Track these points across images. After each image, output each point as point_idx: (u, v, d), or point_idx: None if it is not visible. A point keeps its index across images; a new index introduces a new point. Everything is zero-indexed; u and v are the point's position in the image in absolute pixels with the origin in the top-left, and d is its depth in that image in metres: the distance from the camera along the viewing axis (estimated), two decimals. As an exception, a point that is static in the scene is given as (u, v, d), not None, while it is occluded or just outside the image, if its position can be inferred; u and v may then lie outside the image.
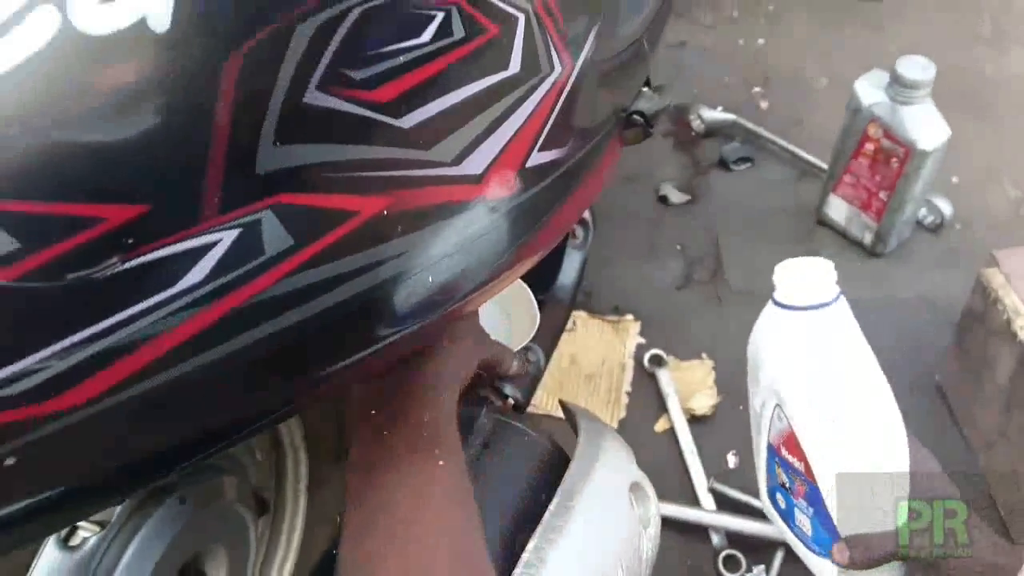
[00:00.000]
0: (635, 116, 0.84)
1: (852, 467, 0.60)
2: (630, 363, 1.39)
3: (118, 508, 0.68)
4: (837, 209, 1.55)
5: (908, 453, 0.60)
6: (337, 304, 0.35)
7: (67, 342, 0.25)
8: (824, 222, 1.61)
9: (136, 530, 0.68)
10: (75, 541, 0.65)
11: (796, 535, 0.67)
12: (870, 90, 1.37)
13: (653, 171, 1.77)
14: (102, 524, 0.67)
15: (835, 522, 0.60)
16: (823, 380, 0.60)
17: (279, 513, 0.93)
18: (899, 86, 1.32)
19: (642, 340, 1.42)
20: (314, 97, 0.30)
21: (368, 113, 0.33)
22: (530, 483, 0.64)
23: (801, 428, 0.61)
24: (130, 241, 0.26)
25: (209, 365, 0.30)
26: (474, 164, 0.42)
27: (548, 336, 0.97)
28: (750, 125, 1.80)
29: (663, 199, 1.72)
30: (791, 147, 1.74)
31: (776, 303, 0.62)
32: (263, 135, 0.29)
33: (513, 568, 0.56)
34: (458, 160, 0.41)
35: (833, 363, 0.60)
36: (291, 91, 0.29)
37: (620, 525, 0.61)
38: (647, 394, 1.35)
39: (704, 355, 1.39)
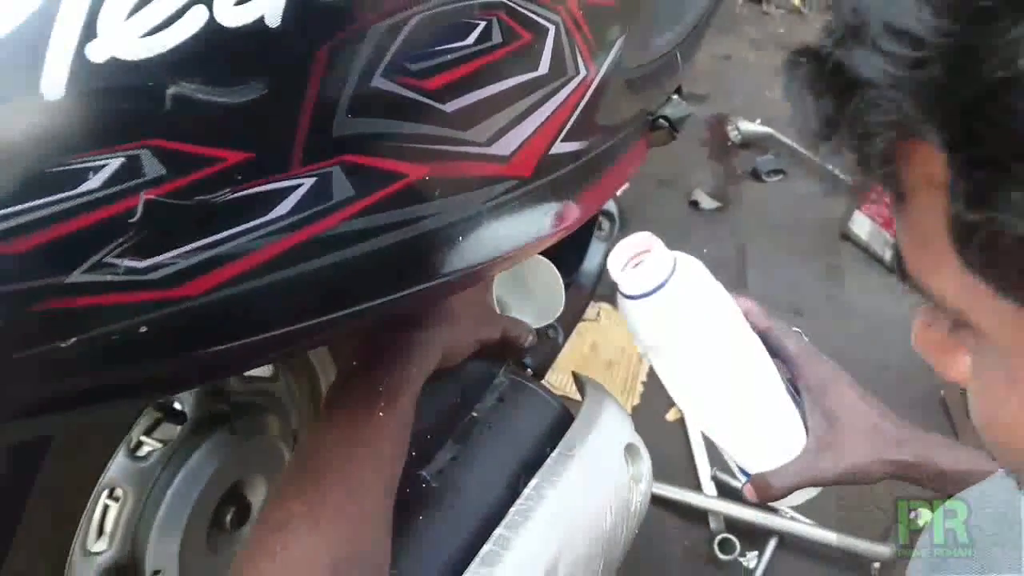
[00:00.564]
0: (661, 120, 0.92)
1: (717, 430, 0.65)
2: (648, 355, 1.46)
3: (178, 429, 0.78)
4: (861, 225, 1.61)
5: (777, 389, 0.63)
6: (382, 248, 0.44)
7: (191, 246, 0.34)
8: (848, 237, 1.66)
9: (193, 451, 0.78)
10: (141, 453, 0.76)
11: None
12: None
13: (687, 177, 1.84)
14: (164, 442, 0.78)
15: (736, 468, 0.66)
16: (673, 358, 0.63)
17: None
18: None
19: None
20: (380, 82, 0.39)
21: (420, 98, 0.42)
22: (536, 436, 0.73)
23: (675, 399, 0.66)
24: (239, 178, 0.35)
25: (282, 282, 0.39)
26: (503, 146, 0.51)
27: (569, 317, 1.05)
28: (786, 139, 1.86)
29: (694, 204, 1.79)
30: (823, 163, 1.80)
31: (621, 295, 0.62)
32: (339, 108, 0.38)
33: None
34: (489, 142, 0.49)
35: (680, 337, 0.61)
36: (362, 76, 0.38)
37: (612, 476, 0.69)
38: (661, 385, 1.42)
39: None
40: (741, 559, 1.20)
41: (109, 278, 0.32)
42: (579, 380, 0.85)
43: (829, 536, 1.17)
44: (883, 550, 1.13)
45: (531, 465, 0.69)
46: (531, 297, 0.95)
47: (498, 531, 0.60)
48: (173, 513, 0.77)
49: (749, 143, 1.90)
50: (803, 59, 0.28)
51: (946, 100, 0.24)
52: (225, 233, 0.35)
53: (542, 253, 0.85)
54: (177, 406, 0.78)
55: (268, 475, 0.90)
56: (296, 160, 0.37)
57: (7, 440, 0.41)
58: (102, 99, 0.30)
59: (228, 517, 0.84)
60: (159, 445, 0.77)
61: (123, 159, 0.31)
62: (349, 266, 0.43)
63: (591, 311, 1.44)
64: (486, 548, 0.59)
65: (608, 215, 1.12)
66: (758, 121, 1.91)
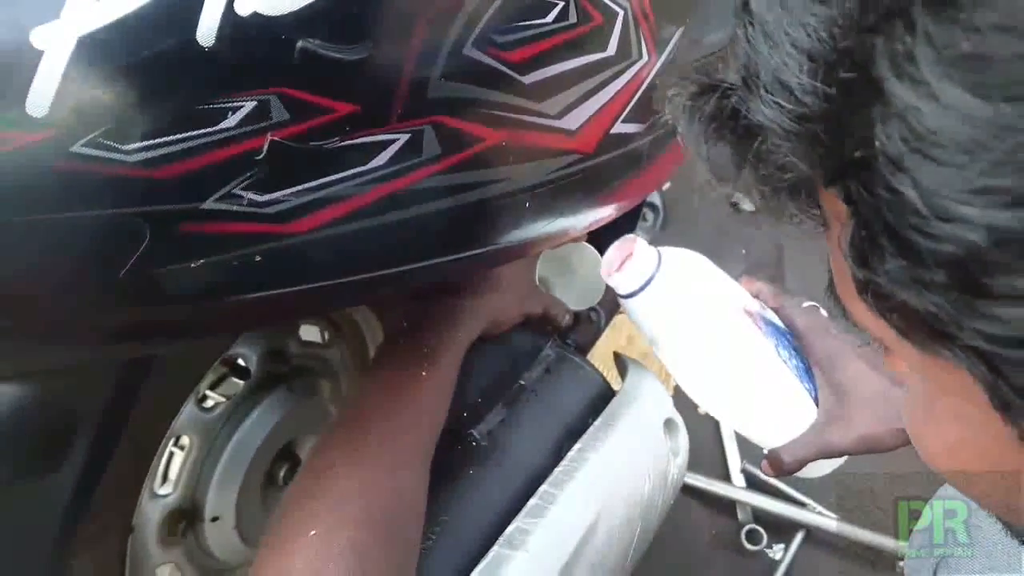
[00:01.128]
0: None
1: (725, 413, 0.67)
2: (683, 350, 1.49)
3: (242, 385, 0.83)
4: (901, 232, 1.62)
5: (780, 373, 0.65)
6: (456, 207, 0.48)
7: (302, 187, 0.39)
8: (887, 244, 1.67)
9: (254, 406, 0.83)
10: (207, 404, 0.80)
11: None
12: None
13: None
14: (227, 397, 0.82)
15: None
16: (671, 347, 0.66)
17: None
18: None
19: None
20: (470, 51, 0.43)
21: (503, 68, 0.46)
22: (580, 406, 0.76)
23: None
24: (347, 128, 0.39)
25: (372, 229, 0.43)
26: (571, 120, 0.55)
27: (610, 303, 1.08)
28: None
29: (734, 205, 1.81)
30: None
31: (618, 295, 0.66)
32: (434, 72, 0.42)
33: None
34: (560, 115, 0.53)
35: (672, 328, 0.65)
36: (456, 45, 0.43)
37: (652, 447, 0.72)
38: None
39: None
40: (767, 550, 1.23)
41: (235, 208, 0.36)
42: (621, 359, 0.88)
43: (857, 532, 1.18)
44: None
45: (574, 432, 0.73)
46: (573, 281, 0.98)
47: (543, 487, 0.64)
48: (233, 464, 0.82)
49: (791, 148, 1.92)
50: (704, 99, 0.29)
51: (828, 159, 0.25)
52: (331, 177, 0.39)
53: (587, 242, 0.89)
54: (241, 363, 0.83)
55: (319, 434, 0.95)
56: (395, 116, 0.41)
57: (121, 356, 0.45)
58: (244, 48, 0.34)
59: (281, 473, 0.89)
60: (222, 399, 0.82)
61: (255, 103, 0.35)
62: (427, 221, 0.47)
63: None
64: (532, 502, 0.62)
65: (652, 207, 1.15)
66: (801, 127, 1.92)
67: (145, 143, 0.32)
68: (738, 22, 0.27)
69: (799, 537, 1.22)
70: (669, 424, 0.76)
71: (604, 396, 0.78)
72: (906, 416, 0.35)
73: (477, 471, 0.66)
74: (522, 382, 0.75)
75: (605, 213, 0.73)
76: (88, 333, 0.37)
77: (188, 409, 0.79)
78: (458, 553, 0.59)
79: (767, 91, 0.25)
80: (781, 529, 1.24)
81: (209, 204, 0.35)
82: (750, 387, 0.67)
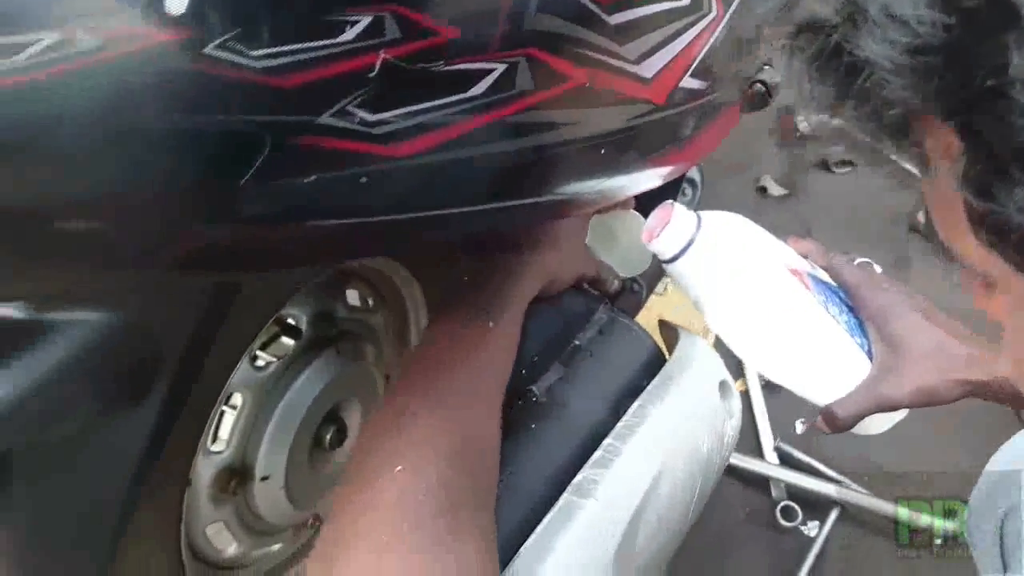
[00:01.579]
0: (758, 84, 0.95)
1: (775, 372, 0.68)
2: (713, 329, 1.49)
3: (292, 345, 0.83)
4: (932, 216, 1.62)
5: (829, 329, 0.65)
6: (540, 146, 0.49)
7: (407, 109, 0.39)
8: (918, 229, 1.67)
9: (305, 366, 0.84)
10: (260, 363, 0.81)
11: None
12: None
13: (756, 164, 1.86)
14: (277, 357, 0.83)
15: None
16: (717, 308, 0.67)
17: (399, 394, 1.07)
18: None
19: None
20: (562, -14, 0.44)
21: (591, 5, 0.46)
22: (634, 368, 0.77)
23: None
24: (450, 54, 0.39)
25: (465, 160, 0.44)
26: (647, 68, 0.55)
27: (651, 275, 1.08)
28: (857, 132, 1.87)
29: (762, 190, 1.80)
30: (895, 157, 1.80)
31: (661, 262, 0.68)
32: (529, 3, 0.42)
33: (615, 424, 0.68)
34: (638, 61, 0.53)
35: (717, 289, 0.66)
36: (548, -22, 0.43)
37: (708, 406, 0.73)
38: (726, 356, 1.44)
39: (784, 332, 1.48)
40: (802, 527, 1.23)
41: (347, 125, 0.36)
42: (668, 325, 0.88)
43: (892, 508, 1.18)
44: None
45: (630, 391, 0.73)
46: (620, 248, 0.98)
47: (607, 440, 0.64)
48: (284, 423, 0.82)
49: (817, 134, 1.91)
50: (805, 38, 0.29)
51: (947, 91, 0.24)
52: (434, 102, 0.40)
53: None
54: (291, 322, 0.83)
55: (364, 400, 0.95)
56: (493, 45, 0.41)
57: (215, 277, 0.45)
58: (365, -42, 0.34)
59: (328, 436, 0.89)
60: (273, 359, 0.82)
61: (371, 18, 0.35)
62: (510, 159, 0.47)
63: (659, 285, 1.47)
64: (597, 454, 0.63)
65: (691, 182, 1.15)
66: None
67: (270, 50, 0.32)
68: None
69: (834, 514, 1.22)
70: (723, 386, 0.77)
71: (656, 359, 0.78)
72: (1010, 348, 0.35)
73: (539, 426, 0.66)
74: (577, 342, 0.75)
75: (662, 173, 0.73)
76: (191, 246, 0.37)
77: (242, 367, 0.79)
78: (524, 504, 0.60)
79: (876, 25, 0.25)
80: (816, 507, 1.24)
81: (324, 119, 0.35)
82: (799, 344, 0.67)
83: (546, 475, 0.63)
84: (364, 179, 0.39)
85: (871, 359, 0.66)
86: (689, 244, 0.65)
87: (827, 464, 1.30)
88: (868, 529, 1.22)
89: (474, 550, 0.45)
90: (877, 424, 0.68)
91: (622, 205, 0.88)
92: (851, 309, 0.68)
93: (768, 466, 1.28)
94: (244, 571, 0.92)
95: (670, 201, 0.67)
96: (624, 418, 0.67)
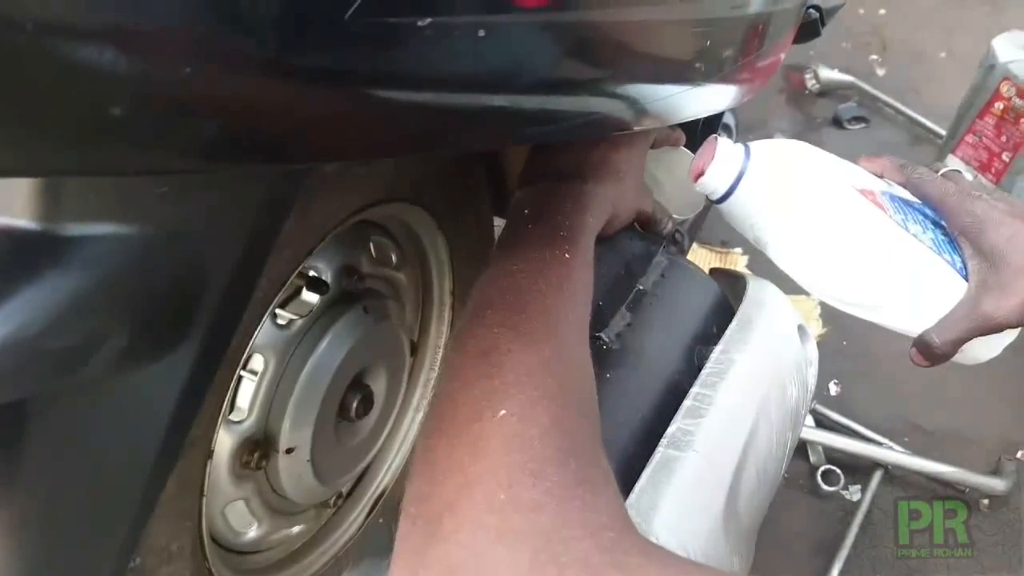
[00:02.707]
0: (812, 10, 0.88)
1: (857, 305, 0.61)
2: (737, 292, 1.43)
3: (314, 302, 0.74)
4: (954, 169, 1.56)
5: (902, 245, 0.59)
6: (650, 24, 0.41)
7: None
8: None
9: (330, 324, 0.75)
10: (282, 321, 0.72)
11: None
12: (1008, 47, 1.38)
13: (767, 123, 1.80)
14: (299, 316, 0.74)
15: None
16: (782, 243, 0.61)
17: (420, 358, 0.99)
18: (1040, 44, 1.33)
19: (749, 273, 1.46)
20: None
21: None
22: (701, 312, 0.69)
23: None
24: None
25: (580, 25, 0.36)
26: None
27: (693, 225, 1.01)
28: (868, 87, 1.82)
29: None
30: (908, 111, 1.75)
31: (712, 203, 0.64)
32: None
33: (696, 374, 0.61)
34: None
35: (777, 223, 0.60)
36: None
37: (791, 351, 0.66)
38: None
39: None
40: (844, 492, 1.17)
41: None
42: (723, 272, 0.81)
43: (939, 468, 1.13)
44: (997, 483, 1.09)
45: (700, 337, 0.66)
46: (672, 188, 0.91)
47: (696, 389, 0.57)
48: (309, 389, 0.74)
49: (828, 91, 1.85)
50: None
51: None
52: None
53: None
54: (312, 273, 0.75)
55: (389, 365, 0.87)
56: None
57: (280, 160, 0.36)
58: None
59: (354, 404, 0.81)
60: (294, 317, 0.74)
61: None
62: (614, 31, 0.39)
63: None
64: (688, 403, 0.56)
65: (727, 127, 1.08)
66: (836, 69, 1.86)
67: None
68: None
69: (877, 477, 1.17)
70: (801, 331, 0.70)
71: (723, 304, 0.71)
72: None
73: (614, 374, 0.59)
74: (640, 287, 0.68)
75: (732, 91, 0.66)
76: (272, 106, 0.28)
77: (266, 325, 0.71)
78: (612, 458, 0.52)
79: None
80: (857, 470, 1.19)
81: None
82: (877, 269, 0.59)
83: (631, 426, 0.56)
84: (482, 32, 0.30)
85: (966, 278, 0.59)
86: (739, 177, 0.60)
87: (864, 426, 1.24)
88: (914, 490, 1.16)
89: (606, 502, 0.38)
90: (982, 351, 0.60)
91: (674, 142, 0.81)
92: (939, 225, 0.61)
93: (805, 429, 1.21)
94: (261, 556, 0.83)
95: (713, 136, 0.62)
96: (708, 366, 0.60)
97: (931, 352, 0.58)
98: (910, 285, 0.59)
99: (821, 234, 0.59)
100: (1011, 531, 1.08)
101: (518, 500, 0.36)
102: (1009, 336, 0.60)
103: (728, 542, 0.48)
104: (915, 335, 0.60)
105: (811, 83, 1.87)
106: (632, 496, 0.48)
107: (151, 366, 0.40)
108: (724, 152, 0.60)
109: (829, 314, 1.37)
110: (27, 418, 0.37)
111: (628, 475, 0.50)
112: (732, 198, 0.61)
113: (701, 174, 0.61)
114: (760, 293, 0.71)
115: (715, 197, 0.62)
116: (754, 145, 0.61)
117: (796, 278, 0.63)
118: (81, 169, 0.28)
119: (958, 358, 0.61)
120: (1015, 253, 0.56)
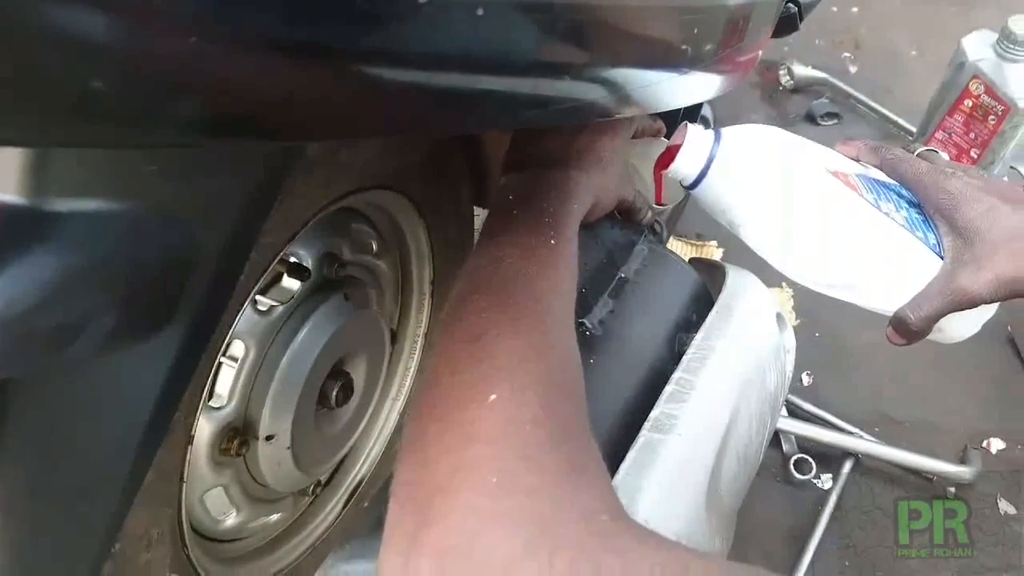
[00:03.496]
0: (790, 5, 0.89)
1: (831, 285, 0.62)
2: (711, 284, 1.44)
3: (294, 289, 0.74)
4: (924, 165, 1.59)
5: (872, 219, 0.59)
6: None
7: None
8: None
9: (311, 311, 0.75)
10: (263, 308, 0.72)
11: None
12: (977, 46, 1.41)
13: (741, 118, 1.81)
14: (280, 302, 0.74)
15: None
16: (754, 226, 0.62)
17: (400, 346, 0.99)
18: (1008, 43, 1.36)
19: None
20: None
21: None
22: (682, 300, 0.70)
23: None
24: None
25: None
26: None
27: (671, 217, 1.02)
28: (841, 84, 1.84)
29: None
30: (880, 108, 1.78)
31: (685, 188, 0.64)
32: None
33: (678, 360, 0.62)
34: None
35: (749, 206, 0.61)
36: None
37: (770, 338, 0.67)
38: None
39: (784, 284, 1.44)
40: (815, 480, 1.19)
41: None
42: (703, 262, 0.82)
43: (907, 457, 1.15)
44: (963, 471, 1.12)
45: (681, 324, 0.67)
46: (651, 179, 0.92)
47: (678, 374, 0.58)
48: (290, 376, 0.74)
49: (801, 88, 1.88)
50: None
51: None
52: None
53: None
54: (293, 259, 0.74)
55: (370, 354, 0.87)
56: None
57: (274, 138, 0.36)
58: None
59: (334, 392, 0.81)
60: (275, 303, 0.73)
61: None
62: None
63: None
64: (670, 388, 0.56)
65: (704, 120, 1.09)
66: (810, 66, 1.89)
67: None
68: None
69: (848, 466, 1.19)
70: (779, 319, 0.71)
71: (703, 292, 0.72)
72: None
73: (597, 359, 0.59)
74: (622, 275, 0.69)
75: (715, 81, 0.67)
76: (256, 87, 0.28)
77: (248, 312, 0.70)
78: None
79: None
80: (829, 459, 1.21)
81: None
82: (850, 249, 0.60)
83: (614, 411, 0.56)
84: (480, 11, 0.30)
85: (941, 255, 0.59)
86: (710, 162, 0.61)
87: (836, 416, 1.26)
88: (883, 478, 1.18)
89: (598, 486, 0.38)
90: (959, 328, 0.61)
91: (654, 133, 0.81)
92: (914, 205, 0.62)
93: (779, 419, 1.23)
94: (240, 544, 0.83)
95: (684, 123, 0.62)
96: (689, 351, 0.61)
97: (907, 329, 0.59)
98: (883, 264, 0.60)
99: (793, 215, 0.60)
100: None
101: (511, 484, 0.36)
102: (986, 313, 0.61)
103: (710, 523, 0.49)
104: (889, 312, 0.61)
105: (785, 79, 1.89)
106: (617, 478, 0.48)
107: (138, 347, 0.40)
108: (694, 138, 0.61)
109: (803, 307, 1.39)
110: (12, 398, 0.36)
111: (612, 458, 0.51)
112: (704, 183, 0.62)
113: (672, 160, 0.62)
114: (739, 282, 0.72)
115: (687, 183, 0.63)
116: (725, 130, 0.62)
117: (769, 260, 0.64)
118: (68, 141, 0.28)
119: (937, 337, 0.61)
120: (990, 228, 0.56)
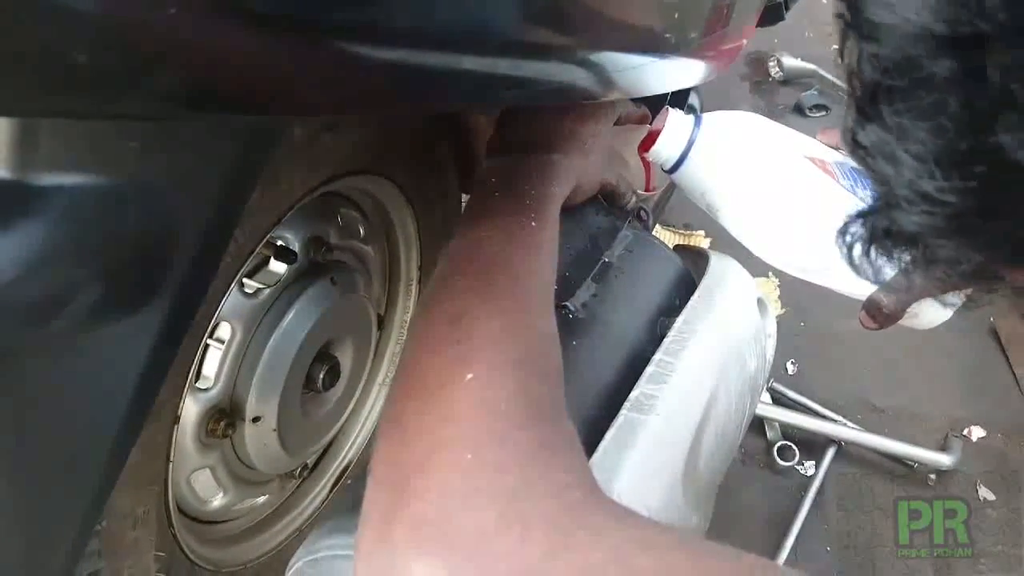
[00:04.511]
0: (776, -6, 0.90)
1: (805, 270, 0.63)
2: (699, 273, 1.45)
3: (281, 272, 0.74)
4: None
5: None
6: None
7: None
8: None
9: (298, 295, 0.75)
10: (249, 290, 0.72)
11: None
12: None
13: (729, 109, 1.82)
14: (266, 285, 0.74)
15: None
16: (732, 210, 0.63)
17: (387, 332, 1.00)
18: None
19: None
20: None
21: None
22: (665, 285, 0.71)
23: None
24: None
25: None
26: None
27: (657, 205, 1.03)
28: (830, 76, 1.85)
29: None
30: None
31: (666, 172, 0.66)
32: None
33: (659, 343, 0.62)
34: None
35: (727, 190, 0.62)
36: None
37: (751, 322, 0.67)
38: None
39: (770, 274, 1.45)
40: (799, 467, 1.20)
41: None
42: (687, 248, 0.83)
43: (890, 444, 1.17)
44: (944, 459, 1.13)
45: (664, 309, 0.68)
46: (636, 165, 0.93)
47: (659, 356, 0.58)
48: (277, 358, 0.74)
49: (791, 79, 1.88)
50: (853, 226, 0.33)
51: (995, 242, 0.26)
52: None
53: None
54: (280, 243, 0.75)
55: (357, 338, 0.87)
56: None
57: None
58: None
59: (321, 375, 0.81)
60: (262, 286, 0.73)
61: None
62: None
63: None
64: (651, 369, 0.57)
65: (692, 108, 1.10)
66: (799, 58, 1.90)
67: None
68: (856, 156, 0.29)
69: (831, 452, 1.20)
70: (760, 304, 0.72)
71: (686, 278, 0.73)
72: None
73: (579, 342, 0.60)
74: (606, 259, 0.69)
75: (697, 68, 0.67)
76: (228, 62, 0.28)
77: (233, 295, 0.70)
78: (576, 421, 0.54)
79: (911, 204, 0.27)
80: (812, 446, 1.22)
81: None
82: (824, 233, 0.60)
83: (595, 392, 0.57)
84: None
85: None
86: (689, 145, 0.62)
87: (820, 404, 1.27)
88: (865, 465, 1.20)
89: (571, 463, 0.39)
90: (931, 314, 0.61)
91: (638, 120, 0.82)
92: None
93: (762, 407, 1.24)
94: (227, 525, 0.83)
95: (666, 107, 0.63)
96: (670, 334, 0.61)
97: (879, 313, 0.59)
98: None
99: (770, 199, 0.61)
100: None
101: (484, 461, 0.37)
102: (959, 298, 0.62)
103: (687, 500, 0.50)
104: (863, 296, 0.62)
105: (774, 71, 1.90)
106: (596, 456, 0.49)
107: (122, 321, 0.40)
108: (674, 121, 0.62)
109: (788, 296, 1.40)
110: (-3, 371, 0.37)
111: (592, 437, 0.52)
112: (684, 167, 0.63)
113: (653, 143, 0.63)
114: (722, 268, 0.73)
115: (667, 166, 0.64)
116: (706, 115, 0.63)
117: (746, 244, 0.65)
118: (48, 110, 0.28)
119: (911, 323, 0.62)
120: None
